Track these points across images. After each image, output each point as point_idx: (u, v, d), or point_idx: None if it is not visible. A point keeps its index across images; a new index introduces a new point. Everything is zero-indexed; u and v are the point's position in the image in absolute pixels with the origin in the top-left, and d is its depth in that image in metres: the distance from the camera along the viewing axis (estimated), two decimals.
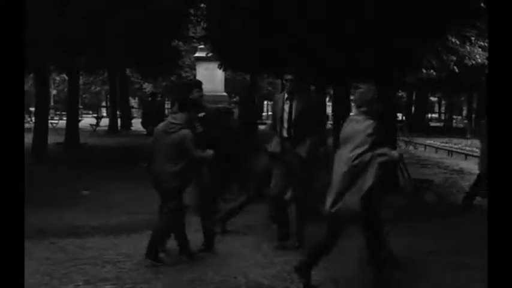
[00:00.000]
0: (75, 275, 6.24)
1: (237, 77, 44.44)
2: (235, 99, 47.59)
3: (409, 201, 10.19)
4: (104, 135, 28.60)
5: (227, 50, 20.95)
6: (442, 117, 59.62)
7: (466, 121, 45.20)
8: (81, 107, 38.54)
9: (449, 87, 36.31)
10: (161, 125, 6.79)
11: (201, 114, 7.35)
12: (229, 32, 16.86)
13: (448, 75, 22.33)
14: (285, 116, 7.31)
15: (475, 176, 11.22)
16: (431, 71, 19.21)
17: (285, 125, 7.31)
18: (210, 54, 29.03)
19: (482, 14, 11.15)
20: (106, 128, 31.52)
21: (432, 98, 60.10)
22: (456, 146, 24.35)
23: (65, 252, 7.19)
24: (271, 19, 12.91)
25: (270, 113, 7.87)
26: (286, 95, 7.40)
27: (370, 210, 5.45)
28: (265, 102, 54.91)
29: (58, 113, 41.33)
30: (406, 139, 25.45)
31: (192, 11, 22.22)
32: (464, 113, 58.69)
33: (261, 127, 17.64)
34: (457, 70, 20.44)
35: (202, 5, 21.12)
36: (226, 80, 41.34)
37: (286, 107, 7.32)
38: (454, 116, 54.62)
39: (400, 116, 41.43)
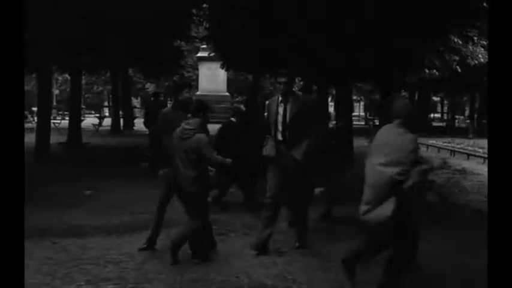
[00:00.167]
0: (77, 275, 6.24)
1: (239, 77, 44.44)
2: (237, 99, 47.59)
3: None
4: (106, 135, 28.61)
5: (229, 50, 20.98)
6: (445, 117, 59.58)
7: (468, 121, 45.18)
8: (83, 106, 38.56)
9: (451, 87, 36.30)
10: (177, 130, 6.77)
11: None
12: (230, 32, 16.88)
13: (451, 75, 22.29)
14: (280, 118, 7.18)
15: (478, 176, 11.19)
16: (434, 70, 19.20)
17: (280, 127, 7.18)
18: (212, 54, 29.07)
19: (484, 14, 11.15)
20: (108, 127, 31.55)
21: (435, 98, 60.08)
22: (458, 146, 24.29)
23: (66, 252, 7.19)
24: (272, 19, 12.92)
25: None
26: (280, 98, 7.29)
27: (406, 218, 5.34)
28: (267, 103, 54.82)
29: (60, 112, 41.37)
30: None
31: (194, 10, 22.22)
32: (467, 113, 58.64)
33: None
34: (459, 70, 20.43)
35: (204, 5, 21.12)
36: (228, 80, 41.43)
37: (281, 110, 7.19)
38: (457, 116, 54.56)
39: None
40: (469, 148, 23.24)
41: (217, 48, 23.96)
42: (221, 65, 26.51)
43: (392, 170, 5.24)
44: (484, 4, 10.76)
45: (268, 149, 7.26)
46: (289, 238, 7.65)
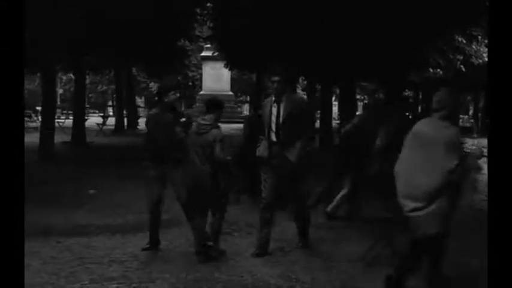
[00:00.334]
0: (81, 274, 6.25)
1: (243, 76, 44.46)
2: (241, 98, 47.56)
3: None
4: (110, 135, 28.63)
5: (232, 49, 20.99)
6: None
7: (472, 120, 45.05)
8: (87, 106, 38.62)
9: (456, 86, 36.20)
10: (193, 126, 6.89)
11: (183, 120, 7.31)
12: (233, 32, 16.89)
13: (455, 74, 22.28)
14: (273, 119, 7.03)
15: (483, 176, 11.15)
16: (438, 69, 19.19)
17: (273, 128, 7.04)
18: (216, 54, 29.07)
19: (485, 14, 11.14)
20: (112, 127, 31.55)
21: None
22: (463, 145, 24.24)
23: (71, 251, 7.20)
24: (275, 19, 12.93)
25: None
26: (274, 98, 7.13)
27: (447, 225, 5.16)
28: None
29: (65, 112, 41.41)
30: None
31: (198, 10, 22.24)
32: (471, 112, 58.51)
33: None
34: (463, 69, 20.40)
35: (208, 4, 21.14)
36: (232, 79, 41.44)
37: (274, 110, 7.04)
38: (461, 115, 54.44)
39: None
40: (473, 147, 23.19)
41: (221, 47, 23.98)
42: (225, 64, 26.53)
43: (445, 166, 4.98)
44: (487, 3, 10.74)
45: (262, 150, 7.14)
46: (293, 238, 7.64)
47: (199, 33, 28.14)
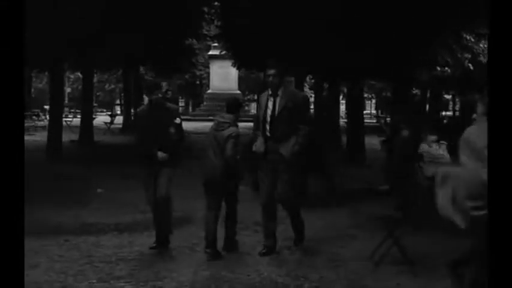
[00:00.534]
0: (89, 273, 6.27)
1: (251, 75, 44.46)
2: (248, 97, 47.56)
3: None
4: (118, 133, 28.65)
5: (240, 48, 21.00)
6: (456, 115, 59.24)
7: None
8: (95, 105, 38.69)
9: (463, 85, 36.06)
10: (212, 124, 7.03)
11: (178, 121, 7.23)
12: (240, 30, 16.90)
13: (463, 72, 22.21)
14: (269, 113, 6.91)
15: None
16: (446, 68, 19.14)
17: (269, 122, 6.92)
18: (223, 52, 29.08)
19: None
20: (120, 126, 31.59)
21: (446, 96, 59.76)
22: None
23: (79, 249, 7.22)
24: (281, 18, 12.93)
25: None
26: (270, 92, 7.02)
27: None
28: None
29: (72, 110, 41.43)
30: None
31: (206, 9, 22.26)
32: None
33: None
34: (471, 67, 20.34)
35: (216, 3, 21.16)
36: (239, 78, 41.46)
37: (270, 104, 6.93)
38: None
39: None
40: None
41: (229, 46, 23.99)
42: (232, 63, 26.53)
43: None
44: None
45: (258, 145, 7.00)
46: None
47: (206, 32, 28.15)
